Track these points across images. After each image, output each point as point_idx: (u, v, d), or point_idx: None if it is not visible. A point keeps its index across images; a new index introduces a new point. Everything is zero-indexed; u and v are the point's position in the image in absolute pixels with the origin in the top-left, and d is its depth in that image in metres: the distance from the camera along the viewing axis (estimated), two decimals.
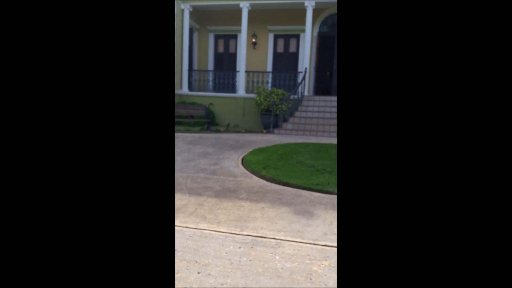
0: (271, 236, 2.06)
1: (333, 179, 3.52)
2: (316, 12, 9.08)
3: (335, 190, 3.17)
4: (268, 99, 7.92)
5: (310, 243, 1.97)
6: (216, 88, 9.69)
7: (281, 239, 2.01)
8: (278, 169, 3.88)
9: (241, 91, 9.09)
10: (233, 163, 4.28)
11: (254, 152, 4.83)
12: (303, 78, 8.25)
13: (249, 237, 2.04)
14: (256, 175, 3.76)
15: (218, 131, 7.63)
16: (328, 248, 1.90)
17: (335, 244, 1.97)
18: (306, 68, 8.41)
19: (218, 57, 10.59)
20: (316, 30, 9.38)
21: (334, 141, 6.11)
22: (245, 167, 4.11)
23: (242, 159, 4.46)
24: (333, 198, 2.97)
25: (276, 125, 7.81)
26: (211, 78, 9.76)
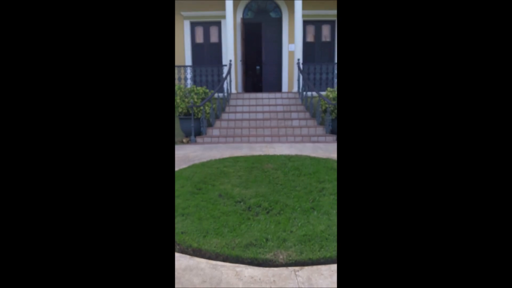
0: None
1: (273, 226, 2.25)
2: None
3: (278, 256, 1.89)
4: (186, 100, 6.37)
5: None
6: None
7: None
8: (189, 216, 2.45)
9: None
10: None
11: None
12: (228, 72, 6.90)
13: None
14: None
15: None
16: None
17: None
18: (231, 61, 7.08)
19: None
20: (240, 15, 8.10)
21: (269, 150, 4.92)
22: None
23: None
24: (275, 279, 1.68)
25: (199, 132, 6.32)
26: None
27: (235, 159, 4.10)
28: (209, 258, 1.94)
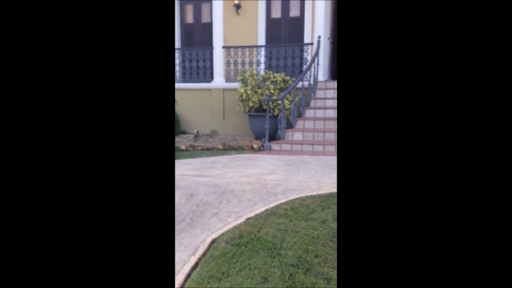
0: None
1: None
2: None
3: None
4: (260, 91, 4.78)
5: None
6: (184, 76, 6.51)
7: None
8: None
9: (218, 78, 5.91)
10: None
11: (222, 251, 1.76)
12: (317, 54, 5.07)
13: None
14: None
15: None
16: None
17: None
18: (319, 37, 5.22)
19: (186, 30, 7.33)
20: None
21: None
22: None
23: None
24: None
25: (274, 135, 4.70)
26: (177, 62, 6.55)
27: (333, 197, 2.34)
28: None
